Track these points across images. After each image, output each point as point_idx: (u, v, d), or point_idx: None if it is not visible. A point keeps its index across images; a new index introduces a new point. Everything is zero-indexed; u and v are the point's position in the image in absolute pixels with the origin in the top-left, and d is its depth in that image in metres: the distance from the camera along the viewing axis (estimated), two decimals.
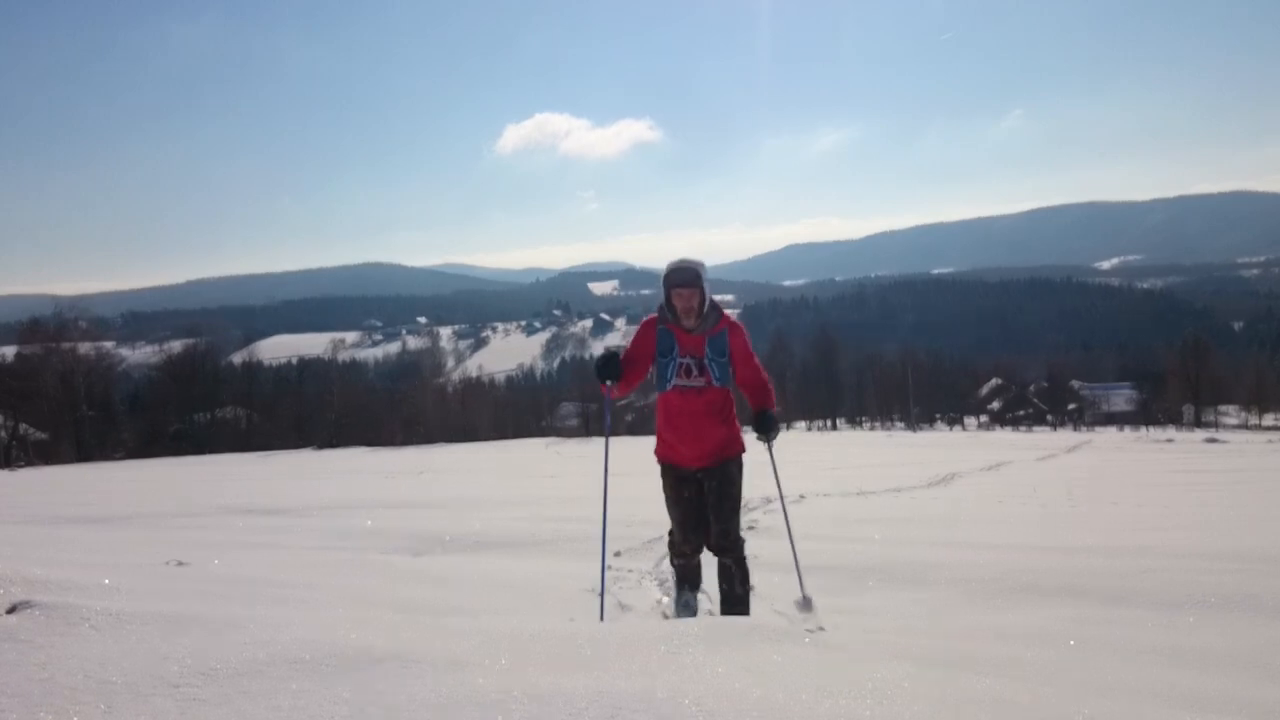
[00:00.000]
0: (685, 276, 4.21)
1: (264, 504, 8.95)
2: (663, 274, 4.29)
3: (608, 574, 4.06)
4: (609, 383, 4.27)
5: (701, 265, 4.31)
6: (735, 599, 4.26)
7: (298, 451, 35.55)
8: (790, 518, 6.57)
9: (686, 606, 4.32)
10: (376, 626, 2.51)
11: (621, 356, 4.37)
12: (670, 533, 4.38)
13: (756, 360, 4.43)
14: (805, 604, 4.22)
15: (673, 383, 4.24)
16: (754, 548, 5.16)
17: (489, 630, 2.59)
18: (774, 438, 4.41)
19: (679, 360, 4.24)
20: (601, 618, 3.93)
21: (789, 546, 4.70)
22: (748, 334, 4.42)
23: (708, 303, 4.27)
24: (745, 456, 4.31)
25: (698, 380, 4.24)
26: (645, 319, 4.50)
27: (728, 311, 4.41)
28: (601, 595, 4.24)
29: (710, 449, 4.26)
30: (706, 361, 4.24)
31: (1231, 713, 2.27)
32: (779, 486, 4.77)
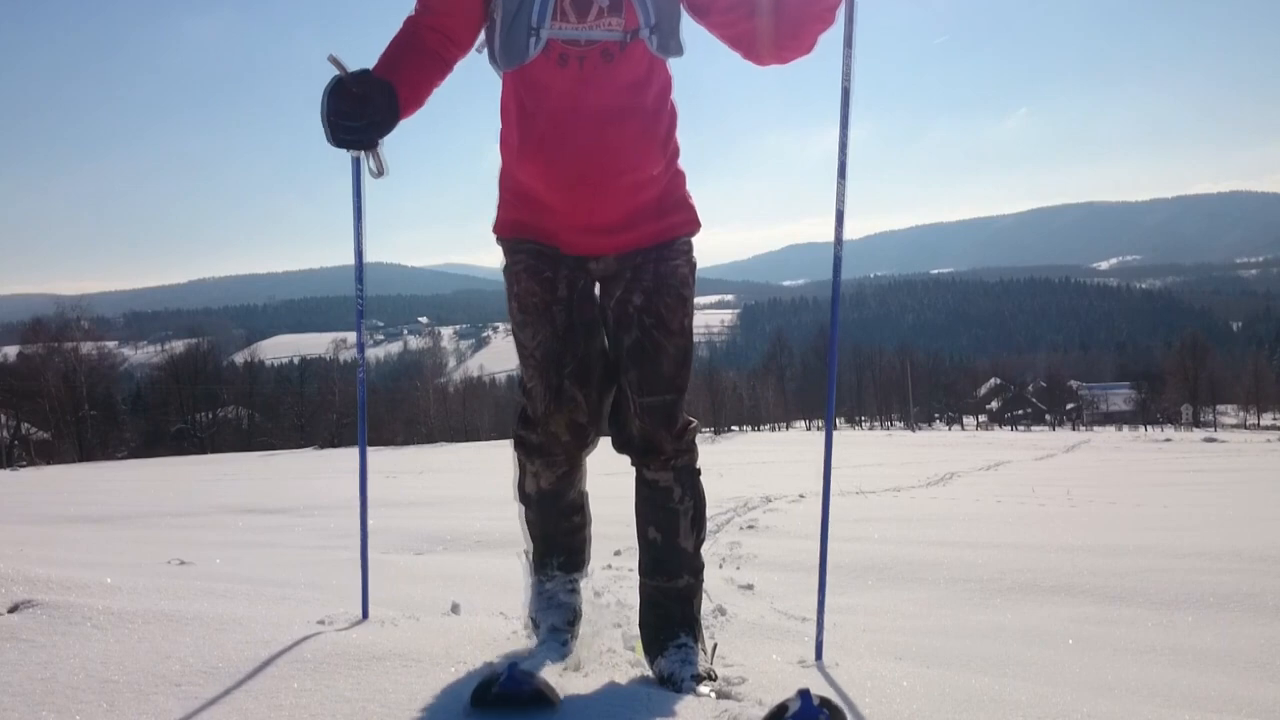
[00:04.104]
0: None
1: (265, 503, 8.95)
2: None
3: (607, 573, 4.06)
4: (361, 148, 2.15)
5: None
6: (675, 555, 2.30)
7: (299, 451, 35.56)
8: (790, 517, 6.57)
9: (552, 637, 2.26)
10: (378, 625, 2.52)
11: (384, 58, 2.16)
12: (521, 413, 2.29)
13: None
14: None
15: (545, 32, 2.04)
16: (753, 547, 5.16)
17: (491, 628, 2.60)
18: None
19: None
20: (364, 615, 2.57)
21: (792, 545, 4.66)
22: None
23: None
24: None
25: (608, 26, 2.05)
26: None
27: None
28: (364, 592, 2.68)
29: (626, 206, 2.17)
30: None
31: (1231, 712, 2.27)
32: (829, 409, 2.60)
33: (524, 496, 2.43)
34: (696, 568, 2.36)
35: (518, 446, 2.37)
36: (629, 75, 2.11)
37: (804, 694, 1.62)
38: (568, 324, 2.21)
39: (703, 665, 2.18)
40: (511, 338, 2.32)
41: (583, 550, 2.49)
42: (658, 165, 2.21)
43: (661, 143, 2.22)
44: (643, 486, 2.35)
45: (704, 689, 2.04)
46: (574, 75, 2.07)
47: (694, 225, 2.28)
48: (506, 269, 2.33)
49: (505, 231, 2.33)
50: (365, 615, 2.63)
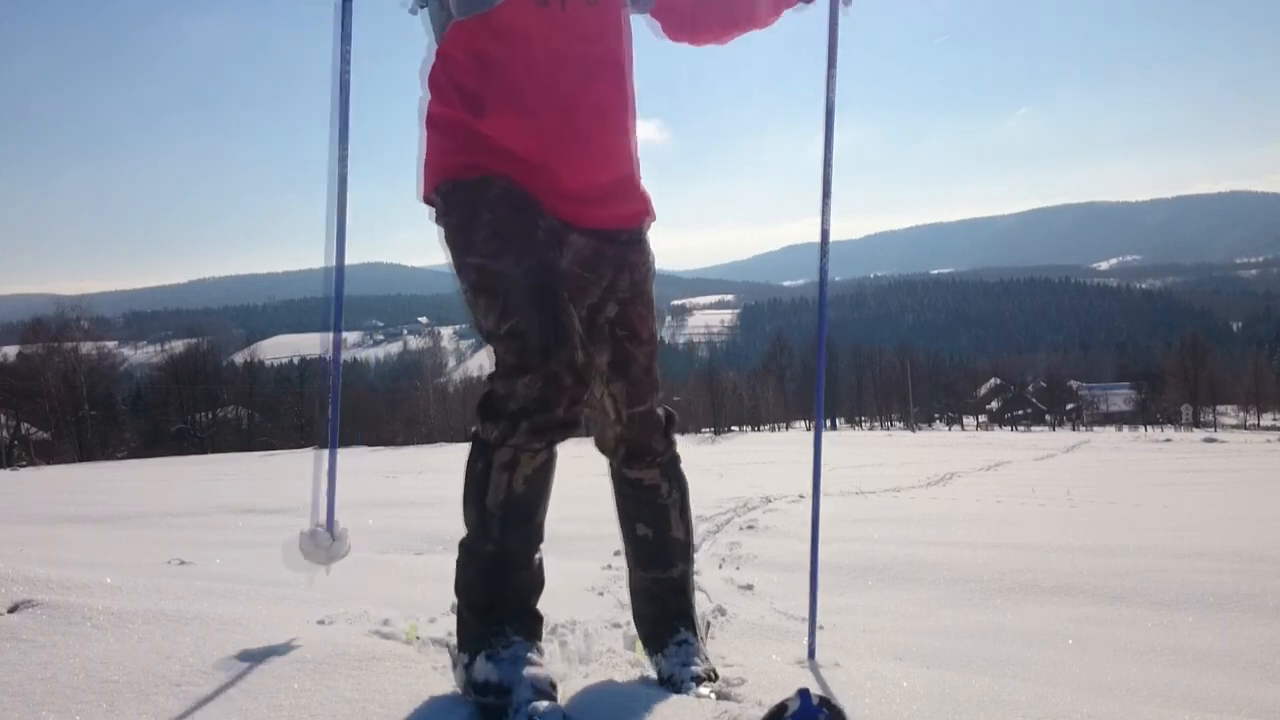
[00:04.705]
0: None
1: (265, 503, 8.95)
2: None
3: (607, 573, 4.06)
4: None
5: None
6: (668, 547, 2.22)
7: (299, 451, 35.55)
8: (790, 517, 6.58)
9: (537, 697, 1.68)
10: (378, 625, 2.52)
11: None
12: (493, 378, 1.83)
13: None
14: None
15: None
16: (753, 547, 5.17)
17: None
18: None
19: None
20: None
21: (792, 545, 4.67)
22: None
23: None
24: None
25: None
26: None
27: None
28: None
29: (611, 171, 2.00)
30: None
31: (1231, 713, 2.27)
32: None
33: (481, 519, 1.88)
34: (688, 554, 2.29)
35: (488, 420, 1.82)
36: (609, 22, 1.93)
37: (803, 693, 1.60)
38: (552, 263, 1.91)
39: (703, 666, 2.15)
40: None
41: (539, 620, 1.95)
42: (632, 132, 2.04)
43: (634, 107, 2.03)
44: (625, 485, 2.24)
45: (704, 690, 2.03)
46: (554, 17, 1.86)
47: (653, 214, 2.16)
48: (457, 209, 1.91)
49: (456, 173, 1.92)
50: (331, 529, 2.51)
